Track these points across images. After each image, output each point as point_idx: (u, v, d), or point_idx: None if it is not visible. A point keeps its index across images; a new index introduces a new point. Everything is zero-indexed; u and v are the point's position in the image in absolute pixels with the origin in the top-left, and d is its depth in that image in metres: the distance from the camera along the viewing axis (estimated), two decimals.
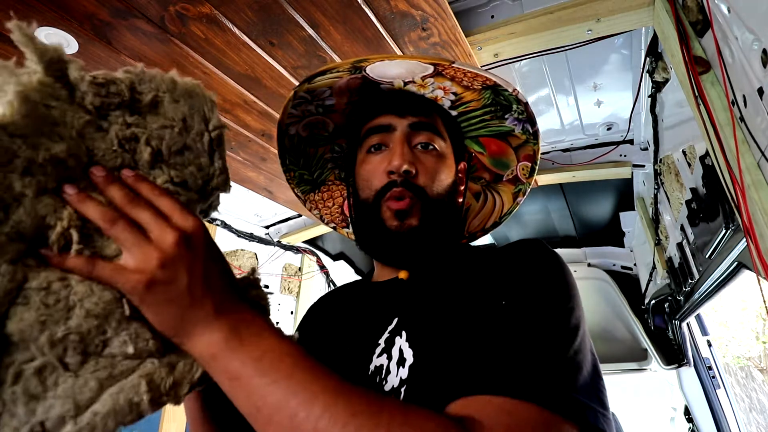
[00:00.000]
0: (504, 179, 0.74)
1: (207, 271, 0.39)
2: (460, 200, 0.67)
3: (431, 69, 0.60)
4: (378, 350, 0.52)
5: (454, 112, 0.69)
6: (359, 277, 0.77)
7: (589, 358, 0.44)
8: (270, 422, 0.35)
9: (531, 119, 0.66)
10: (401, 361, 0.47)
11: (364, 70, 0.62)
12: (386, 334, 0.53)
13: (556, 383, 0.40)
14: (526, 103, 0.64)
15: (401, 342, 0.49)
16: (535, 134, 0.68)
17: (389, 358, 0.49)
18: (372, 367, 0.51)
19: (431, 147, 0.61)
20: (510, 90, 0.62)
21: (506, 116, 0.67)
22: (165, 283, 0.36)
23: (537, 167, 0.71)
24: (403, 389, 0.45)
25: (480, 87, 0.64)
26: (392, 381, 0.47)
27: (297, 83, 0.68)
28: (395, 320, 0.53)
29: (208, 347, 0.38)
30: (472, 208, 0.76)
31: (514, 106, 0.66)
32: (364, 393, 0.37)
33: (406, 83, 0.64)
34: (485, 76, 0.60)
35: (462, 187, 0.68)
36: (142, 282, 0.36)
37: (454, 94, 0.65)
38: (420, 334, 0.49)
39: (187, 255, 0.38)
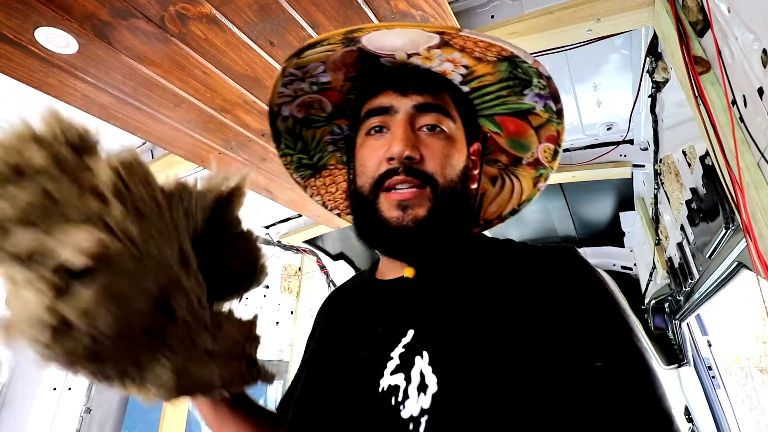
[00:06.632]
0: (524, 162, 0.66)
1: None
2: (474, 186, 0.61)
3: (437, 39, 0.53)
4: (391, 366, 0.46)
5: (465, 88, 0.61)
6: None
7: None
8: None
9: (555, 96, 0.58)
10: (422, 387, 0.42)
11: (360, 42, 0.56)
12: (400, 348, 0.47)
13: None
14: (549, 77, 0.56)
15: (422, 364, 0.44)
16: (559, 113, 0.60)
17: (407, 380, 0.44)
18: (384, 385, 0.45)
19: (438, 129, 0.55)
20: (530, 62, 0.54)
21: (525, 92, 0.60)
22: None
23: (561, 149, 0.63)
24: (423, 420, 0.40)
25: (494, 59, 0.56)
26: (411, 408, 0.42)
27: None
28: (411, 332, 0.48)
29: None
30: (488, 194, 0.70)
31: (535, 80, 0.57)
32: None
33: (409, 56, 0.57)
34: (500, 45, 0.52)
35: (476, 171, 0.62)
36: None
37: (465, 67, 0.58)
38: (446, 359, 0.43)
39: None
